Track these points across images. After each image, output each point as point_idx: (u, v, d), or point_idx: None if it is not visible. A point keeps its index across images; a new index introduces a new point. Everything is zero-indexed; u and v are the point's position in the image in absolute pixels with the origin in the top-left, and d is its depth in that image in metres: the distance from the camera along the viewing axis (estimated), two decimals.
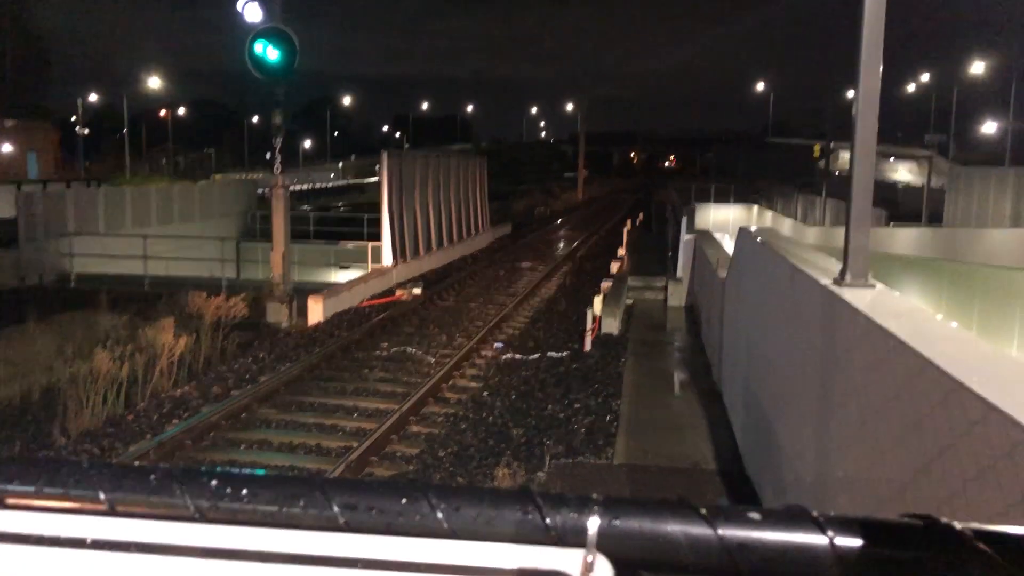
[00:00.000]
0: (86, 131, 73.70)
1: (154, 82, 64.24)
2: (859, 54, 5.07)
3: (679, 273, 17.53)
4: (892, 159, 67.16)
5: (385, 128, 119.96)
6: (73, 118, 74.74)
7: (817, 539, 0.67)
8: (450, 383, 11.59)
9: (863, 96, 5.13)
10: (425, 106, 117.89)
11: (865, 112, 5.14)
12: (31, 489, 0.73)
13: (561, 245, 30.45)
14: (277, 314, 15.44)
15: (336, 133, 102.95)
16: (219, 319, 13.49)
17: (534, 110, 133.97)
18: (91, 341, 12.13)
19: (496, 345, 13.85)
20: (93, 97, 78.99)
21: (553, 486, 7.65)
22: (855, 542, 0.66)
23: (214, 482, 0.72)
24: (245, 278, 20.33)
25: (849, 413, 4.27)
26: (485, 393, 11.07)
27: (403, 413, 9.79)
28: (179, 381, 11.22)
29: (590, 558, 0.68)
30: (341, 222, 32.48)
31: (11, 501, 0.73)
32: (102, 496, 0.72)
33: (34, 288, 19.11)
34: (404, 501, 0.71)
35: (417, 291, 18.08)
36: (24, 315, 14.39)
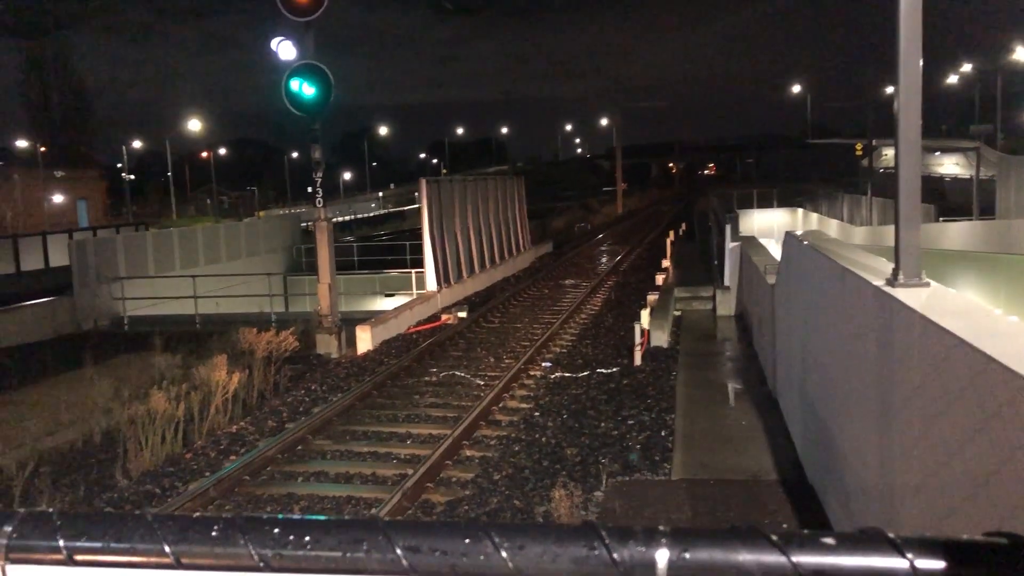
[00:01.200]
0: (131, 177, 75.50)
1: (195, 124, 65.64)
2: (898, 47, 4.99)
3: (726, 281, 17.36)
4: (938, 152, 65.99)
5: (422, 155, 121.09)
6: (119, 164, 76.67)
7: (896, 563, 0.64)
8: (500, 405, 11.57)
9: (904, 90, 5.04)
10: (460, 131, 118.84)
11: (907, 107, 5.05)
12: (99, 545, 0.73)
13: (604, 260, 30.35)
14: (327, 345, 15.59)
15: (374, 163, 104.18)
16: (270, 353, 13.65)
17: (568, 127, 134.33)
18: (147, 382, 12.35)
19: (544, 364, 13.81)
20: (137, 143, 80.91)
21: (611, 505, 7.57)
22: (937, 564, 0.64)
23: (276, 530, 0.72)
24: (293, 311, 20.59)
25: (911, 416, 4.17)
26: (536, 413, 11.03)
27: (456, 438, 9.79)
28: (234, 417, 11.36)
29: None
30: (384, 251, 32.81)
31: (79, 557, 0.74)
32: (167, 549, 0.72)
33: (90, 333, 19.56)
34: (467, 541, 0.70)
35: (462, 314, 18.14)
36: (82, 360, 14.72)
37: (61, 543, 0.73)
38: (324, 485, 8.94)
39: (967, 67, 52.33)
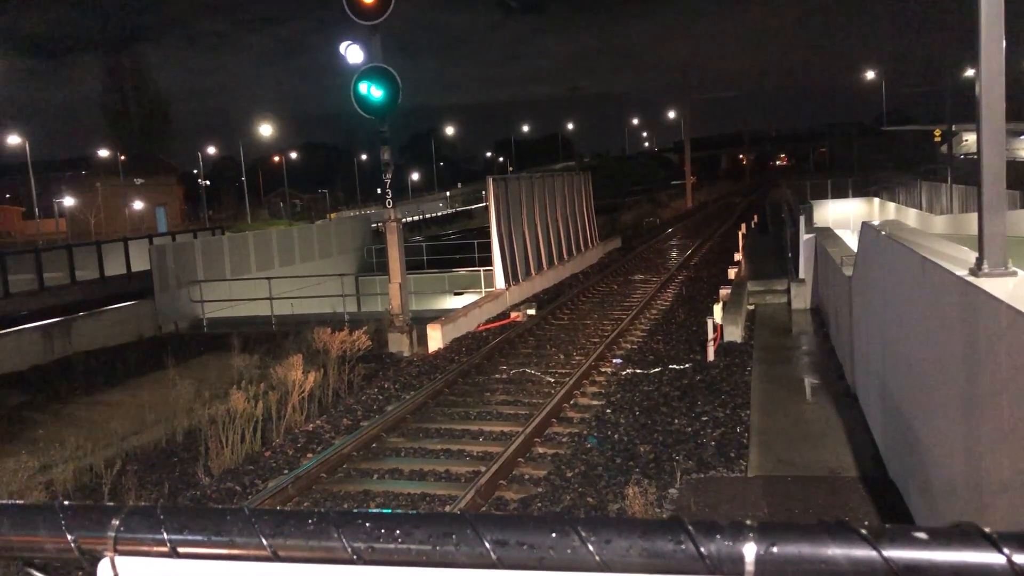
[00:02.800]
0: (207, 182, 77.66)
1: (266, 129, 67.17)
2: (979, 28, 4.83)
3: (801, 274, 17.02)
4: (1022, 136, 63.49)
5: (488, 154, 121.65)
6: (195, 171, 78.93)
7: (993, 558, 0.63)
8: (571, 402, 11.56)
9: (986, 72, 4.87)
10: (526, 128, 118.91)
11: (990, 89, 4.88)
12: (201, 538, 0.77)
13: (674, 254, 30.05)
14: (398, 344, 15.79)
15: (442, 163, 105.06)
16: (344, 353, 13.89)
17: (635, 121, 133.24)
18: (226, 382, 12.71)
19: (615, 361, 13.75)
20: (212, 150, 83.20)
21: (686, 503, 7.51)
22: None
23: (368, 524, 0.75)
24: (365, 311, 20.93)
25: (999, 410, 4.04)
26: (608, 410, 10.99)
27: (527, 435, 9.82)
28: (310, 415, 11.60)
29: None
30: (453, 249, 33.08)
31: (183, 550, 0.77)
32: (265, 542, 0.75)
33: (170, 335, 20.19)
34: (554, 535, 0.71)
35: (531, 312, 18.17)
36: (163, 361, 15.21)
37: (165, 536, 0.77)
38: (399, 482, 9.07)
39: None
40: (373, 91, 15.13)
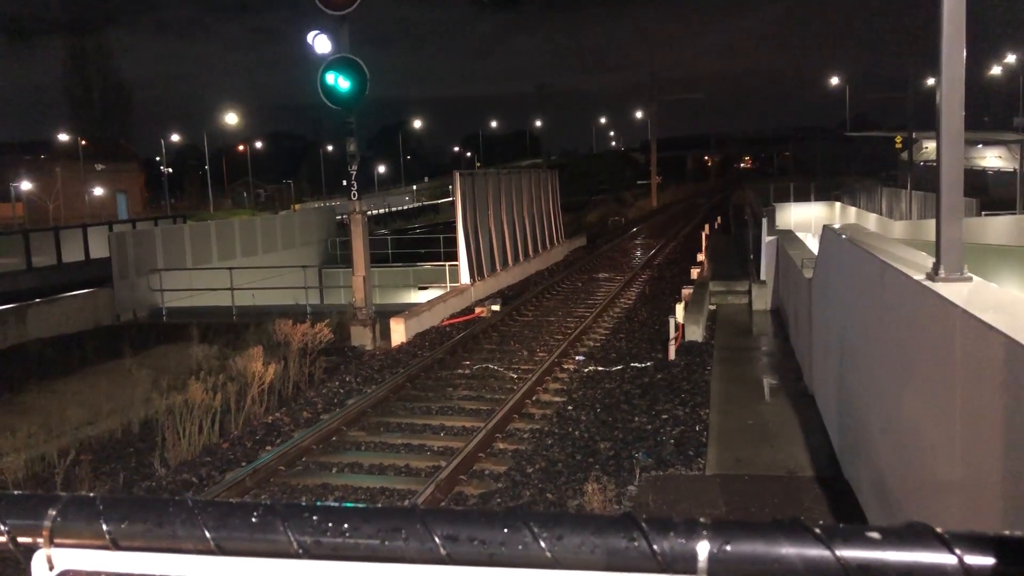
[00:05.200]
0: (169, 170, 76.54)
1: (231, 118, 66.36)
2: (940, 38, 4.90)
3: (762, 276, 17.20)
4: (980, 145, 64.74)
5: (456, 149, 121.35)
6: (157, 158, 77.78)
7: (944, 558, 0.63)
8: (534, 398, 11.57)
9: (947, 82, 4.95)
10: (494, 124, 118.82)
11: (950, 98, 4.95)
12: (141, 529, 0.74)
13: (638, 254, 30.22)
14: (361, 337, 15.69)
15: (409, 157, 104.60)
16: (305, 345, 13.77)
17: (603, 120, 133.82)
18: (185, 373, 12.53)
19: (578, 358, 13.79)
20: (175, 137, 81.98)
21: (645, 499, 7.55)
22: (987, 560, 0.62)
23: (315, 517, 0.73)
24: (328, 304, 20.75)
25: (951, 413, 4.10)
26: (570, 407, 11.02)
27: (489, 430, 9.81)
28: (270, 408, 11.48)
29: None
30: (418, 244, 32.95)
31: (123, 543, 0.75)
32: (208, 535, 0.73)
33: (129, 324, 19.88)
34: (505, 531, 0.69)
35: (496, 307, 18.15)
36: (121, 350, 14.97)
37: (104, 527, 0.74)
38: (358, 476, 9.01)
39: (1011, 58, 51.25)
40: (340, 82, 15.00)
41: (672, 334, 13.26)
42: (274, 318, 15.11)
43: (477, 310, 18.19)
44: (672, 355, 13.04)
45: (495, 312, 17.76)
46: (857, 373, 6.84)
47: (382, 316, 16.23)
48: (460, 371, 13.24)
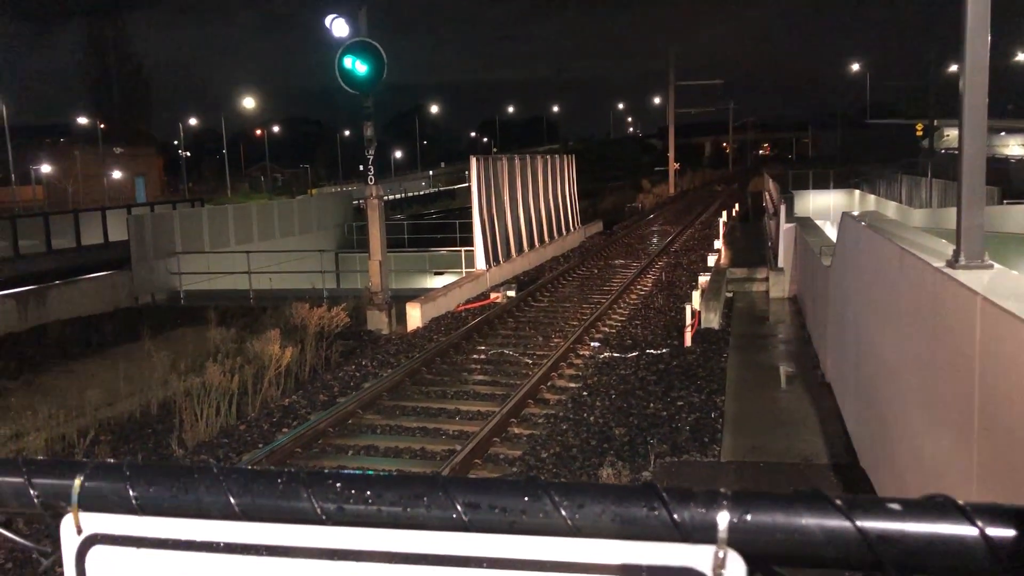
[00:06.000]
0: (188, 154, 76.88)
1: (249, 103, 66.49)
2: (964, 24, 4.84)
3: (780, 263, 17.12)
4: (1003, 133, 64.04)
5: (472, 134, 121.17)
6: (175, 142, 78.10)
7: (965, 530, 0.63)
8: (549, 384, 11.58)
9: (970, 68, 4.89)
10: (511, 109, 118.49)
11: (973, 85, 4.90)
12: (167, 496, 0.75)
13: (655, 240, 30.11)
14: (377, 322, 15.74)
15: (425, 142, 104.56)
16: (322, 329, 13.84)
17: (621, 106, 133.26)
18: (202, 355, 12.62)
19: (593, 344, 13.78)
20: (193, 121, 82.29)
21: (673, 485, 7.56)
22: (1008, 532, 0.62)
23: (339, 484, 0.73)
24: (345, 288, 20.84)
25: (971, 401, 4.08)
26: (585, 393, 11.03)
27: (504, 415, 9.83)
28: (287, 390, 11.55)
29: (721, 554, 0.66)
30: (434, 229, 33.00)
31: (149, 508, 0.76)
32: (233, 501, 0.74)
33: (147, 306, 20.03)
34: (527, 499, 0.70)
35: (511, 293, 18.16)
36: (139, 332, 15.09)
37: (130, 493, 0.75)
38: (374, 459, 9.06)
39: None
40: (358, 66, 15.00)
41: (688, 321, 13.23)
42: (291, 302, 15.19)
43: (492, 295, 18.20)
44: (688, 342, 13.01)
45: (510, 298, 17.77)
46: (874, 361, 6.80)
47: (398, 301, 16.27)
48: (475, 356, 13.26)
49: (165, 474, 0.76)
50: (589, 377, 11.83)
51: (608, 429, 9.48)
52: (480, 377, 12.09)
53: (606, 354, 13.03)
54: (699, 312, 13.93)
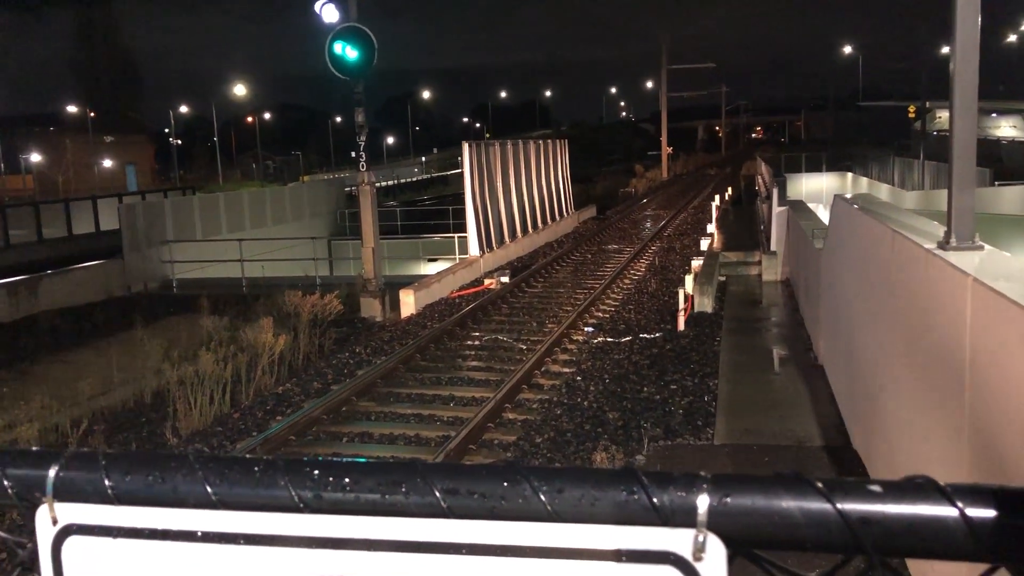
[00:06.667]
0: (179, 141, 76.48)
1: (240, 90, 66.09)
2: (954, 5, 4.83)
3: (773, 246, 17.13)
4: (994, 115, 64.06)
5: (465, 119, 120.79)
6: (166, 130, 77.68)
7: (946, 511, 0.63)
8: (543, 369, 11.59)
9: (961, 50, 4.88)
10: (503, 95, 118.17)
11: (964, 67, 4.89)
12: (143, 484, 0.74)
13: (648, 225, 30.11)
14: (371, 308, 15.73)
15: (417, 128, 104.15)
16: (315, 316, 13.82)
17: (613, 90, 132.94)
18: (195, 344, 12.60)
19: (587, 329, 13.79)
20: (184, 108, 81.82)
21: (653, 469, 7.58)
22: (988, 512, 0.62)
23: (316, 471, 0.73)
24: (338, 275, 20.81)
25: (962, 383, 4.09)
26: (578, 378, 11.04)
27: (498, 400, 9.85)
28: (280, 378, 11.55)
29: (701, 537, 0.66)
30: (427, 215, 32.94)
31: (125, 497, 0.75)
32: (210, 490, 0.73)
33: (140, 295, 19.97)
34: (506, 484, 0.69)
35: (505, 279, 18.14)
36: (132, 321, 15.05)
37: (106, 483, 0.74)
38: (368, 446, 9.07)
39: None
40: (348, 51, 14.92)
41: (681, 305, 13.24)
42: (284, 289, 15.16)
43: (486, 282, 18.19)
44: (681, 326, 13.03)
45: (504, 284, 17.76)
46: (866, 343, 6.82)
47: (391, 288, 16.26)
48: (469, 342, 13.26)
49: (141, 463, 0.75)
50: (583, 362, 11.84)
51: (602, 413, 9.50)
52: (474, 363, 12.10)
53: (600, 339, 13.04)
54: (692, 296, 13.94)
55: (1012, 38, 54.13)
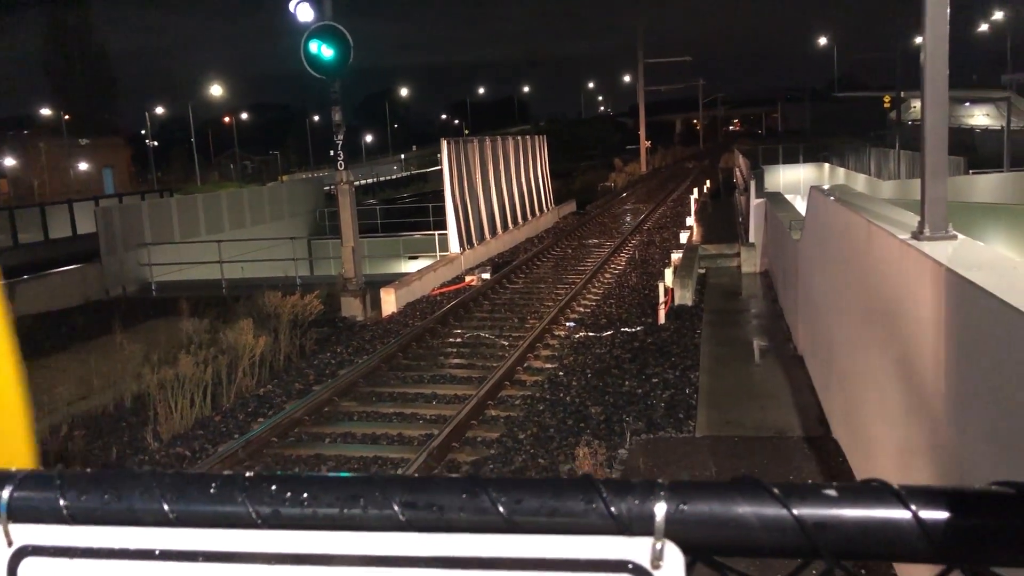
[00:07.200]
0: (155, 143, 75.83)
1: (216, 90, 65.63)
2: None
3: (751, 238, 17.22)
4: (968, 103, 64.62)
5: (443, 116, 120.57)
6: (143, 131, 77.01)
7: (899, 513, 0.63)
8: (525, 365, 11.61)
9: (931, 40, 4.92)
10: (481, 90, 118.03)
11: (934, 56, 4.93)
12: (100, 504, 0.74)
13: (628, 219, 30.18)
14: (351, 308, 15.68)
15: (396, 125, 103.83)
16: (296, 317, 13.75)
17: (591, 85, 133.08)
18: (175, 347, 12.50)
19: (568, 324, 13.82)
20: (160, 110, 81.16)
21: (635, 463, 7.61)
22: (941, 514, 0.62)
23: (274, 487, 0.72)
24: (318, 275, 20.73)
25: (937, 372, 4.13)
26: (561, 373, 11.06)
27: (481, 398, 9.85)
28: (262, 380, 11.49)
29: (659, 545, 0.66)
30: (407, 213, 32.87)
31: (81, 517, 0.74)
32: (166, 507, 0.73)
33: (118, 298, 19.80)
34: (464, 496, 0.69)
35: (486, 276, 18.15)
36: (111, 325, 14.92)
37: (62, 503, 0.73)
38: (351, 446, 9.05)
39: (998, 15, 51.03)
40: (324, 50, 14.84)
41: (662, 298, 13.29)
42: (264, 290, 15.07)
43: (467, 278, 18.19)
44: (662, 319, 13.08)
45: (485, 280, 17.76)
46: (844, 333, 6.87)
47: (372, 286, 16.21)
48: (451, 340, 13.26)
49: (97, 482, 0.75)
50: (565, 357, 11.86)
51: (584, 408, 9.52)
52: (456, 361, 12.09)
53: (581, 334, 13.07)
54: (672, 289, 13.99)
55: (984, 27, 54.60)
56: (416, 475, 0.79)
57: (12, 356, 1.51)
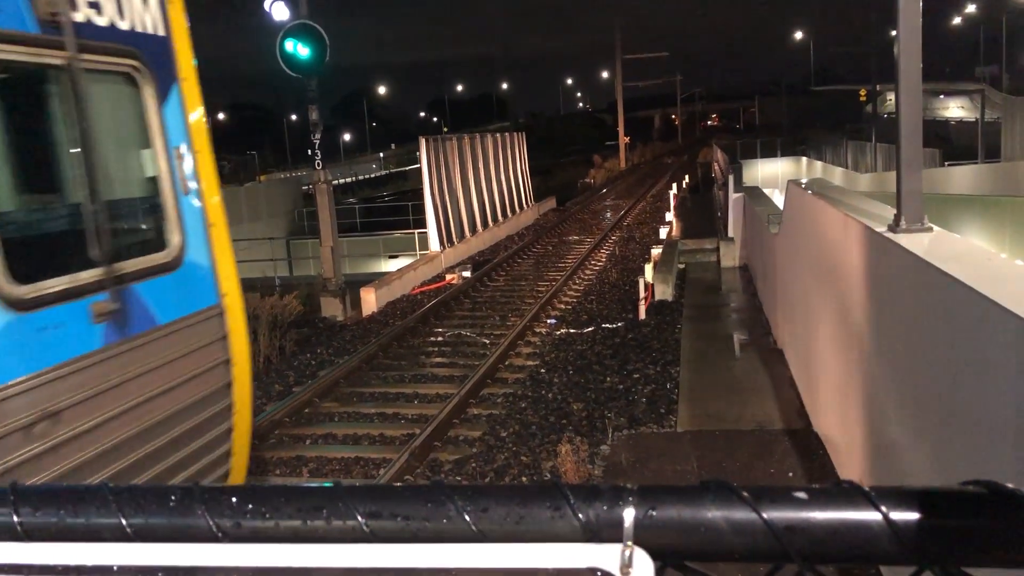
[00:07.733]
0: None
1: None
2: None
3: (730, 233, 17.29)
4: (942, 96, 65.22)
5: (422, 114, 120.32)
6: None
7: (870, 515, 0.62)
8: (506, 363, 11.59)
9: (904, 33, 4.94)
10: (460, 88, 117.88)
11: (908, 50, 4.95)
12: (54, 520, 0.72)
13: (608, 215, 30.23)
14: (331, 308, 15.60)
15: (374, 124, 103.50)
16: (275, 318, 13.66)
17: (570, 81, 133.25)
18: None
19: (549, 321, 13.82)
20: None
21: (618, 458, 7.62)
22: (911, 515, 0.62)
23: (234, 499, 0.70)
24: (298, 275, 20.62)
25: (914, 362, 4.15)
26: (542, 370, 11.06)
27: (462, 396, 9.83)
28: None
29: (627, 552, 0.64)
30: (387, 212, 32.76)
31: (37, 533, 0.72)
32: (124, 522, 0.71)
33: None
34: (429, 505, 0.68)
35: (467, 274, 18.12)
36: None
37: (15, 519, 0.71)
38: (332, 447, 9.00)
39: (971, 8, 51.52)
40: (300, 49, 14.76)
41: (642, 294, 13.32)
42: (242, 291, 14.96)
43: (448, 277, 18.15)
44: (642, 315, 13.10)
45: (466, 278, 17.73)
46: (823, 327, 6.90)
47: (352, 286, 16.14)
48: (432, 339, 13.22)
49: (52, 497, 0.72)
50: (546, 354, 11.86)
51: (566, 405, 9.53)
52: (438, 359, 12.06)
53: (563, 330, 13.08)
54: (652, 285, 14.02)
55: (958, 20, 55.10)
56: (380, 483, 0.78)
57: None
